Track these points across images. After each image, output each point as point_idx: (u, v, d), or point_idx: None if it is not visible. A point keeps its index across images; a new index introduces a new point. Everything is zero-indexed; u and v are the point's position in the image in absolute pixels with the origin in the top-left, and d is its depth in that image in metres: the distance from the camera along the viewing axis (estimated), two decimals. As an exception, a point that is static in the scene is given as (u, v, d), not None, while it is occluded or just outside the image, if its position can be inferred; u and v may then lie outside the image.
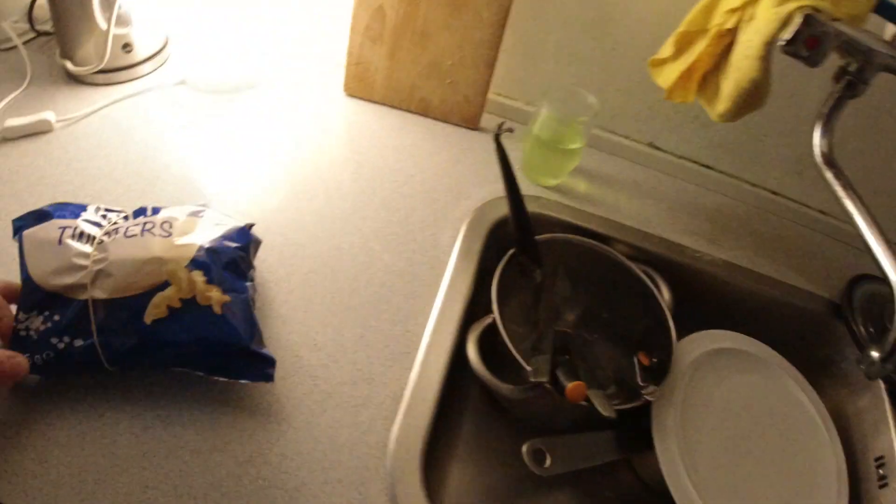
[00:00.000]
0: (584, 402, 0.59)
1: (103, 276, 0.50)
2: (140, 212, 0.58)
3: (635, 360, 0.69)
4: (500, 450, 0.69)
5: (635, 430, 0.63)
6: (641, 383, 0.65)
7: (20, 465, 0.48)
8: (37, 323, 0.49)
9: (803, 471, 0.65)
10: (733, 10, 0.66)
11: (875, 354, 0.59)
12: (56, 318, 0.49)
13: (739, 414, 0.67)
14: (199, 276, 0.52)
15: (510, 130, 0.69)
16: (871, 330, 0.83)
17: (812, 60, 0.60)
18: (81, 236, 0.52)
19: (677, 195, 0.87)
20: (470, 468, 0.67)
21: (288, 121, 0.84)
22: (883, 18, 0.66)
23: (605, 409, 0.59)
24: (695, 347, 0.69)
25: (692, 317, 0.74)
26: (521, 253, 0.72)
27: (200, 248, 0.53)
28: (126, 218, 0.56)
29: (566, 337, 0.73)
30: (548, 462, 0.58)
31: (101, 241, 0.52)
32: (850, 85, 0.64)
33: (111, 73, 0.81)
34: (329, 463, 0.53)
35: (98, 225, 0.54)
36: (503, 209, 0.77)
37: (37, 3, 0.86)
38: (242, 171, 0.76)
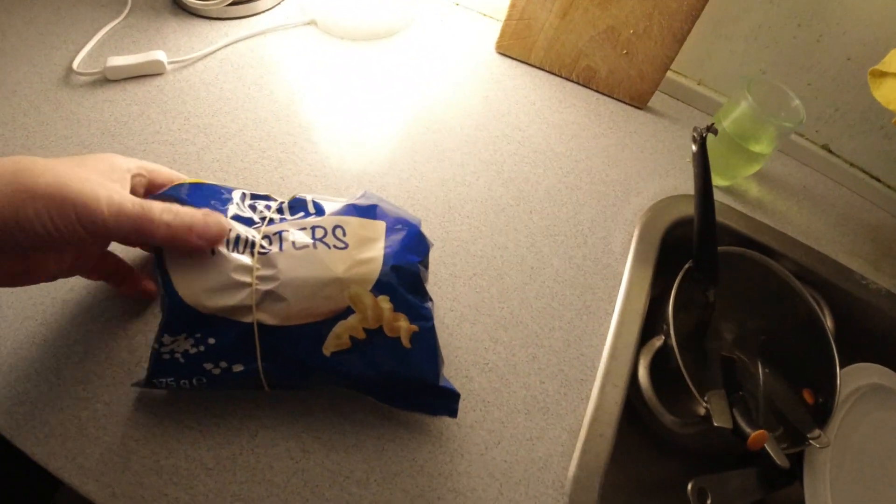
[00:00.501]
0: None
1: (273, 300, 0.41)
2: (299, 206, 0.47)
3: (800, 398, 0.64)
4: (659, 483, 0.65)
5: (781, 469, 0.59)
6: (807, 427, 0.60)
7: (160, 492, 0.42)
8: (185, 346, 0.41)
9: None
10: None
11: None
12: (211, 341, 0.41)
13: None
14: (385, 303, 0.43)
15: (715, 132, 0.60)
16: None
17: None
18: (237, 242, 0.42)
19: (845, 208, 0.79)
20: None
21: (433, 77, 0.73)
22: None
23: (780, 459, 0.56)
24: (850, 382, 0.64)
25: (851, 347, 0.68)
26: (698, 268, 0.64)
27: (384, 265, 0.44)
28: (281, 211, 0.46)
29: (732, 365, 0.67)
30: (709, 501, 0.56)
31: (264, 251, 0.42)
32: None
33: (229, 8, 0.69)
34: (505, 502, 0.48)
35: (250, 222, 0.44)
36: (676, 211, 0.69)
37: None
38: (380, 137, 0.66)
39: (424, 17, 0.80)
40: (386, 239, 0.45)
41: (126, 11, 0.70)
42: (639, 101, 0.76)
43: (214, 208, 0.43)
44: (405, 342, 0.43)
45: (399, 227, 0.47)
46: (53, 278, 0.40)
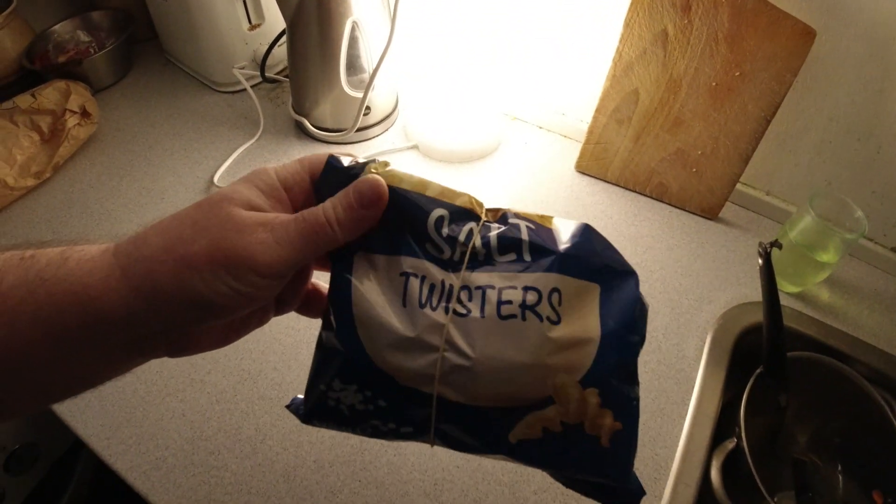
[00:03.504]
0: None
1: (460, 375, 0.34)
2: (510, 243, 0.36)
3: (870, 499, 0.66)
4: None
5: None
6: None
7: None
8: (353, 399, 0.36)
9: None
10: None
11: None
12: (382, 403, 0.36)
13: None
14: (593, 397, 0.35)
15: (779, 246, 0.66)
16: None
17: None
18: (432, 290, 0.35)
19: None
20: None
21: (518, 195, 0.82)
22: None
23: None
24: None
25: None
26: (769, 373, 0.69)
27: (601, 350, 0.35)
28: (488, 247, 0.36)
29: (804, 467, 0.70)
30: None
31: (462, 314, 0.34)
32: None
33: (345, 133, 0.81)
34: None
35: (448, 264, 0.36)
36: (748, 317, 0.74)
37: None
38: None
39: (511, 140, 0.90)
40: (602, 309, 0.36)
41: (258, 134, 0.84)
42: (710, 213, 0.83)
43: (417, 248, 0.36)
44: (604, 441, 0.36)
45: (614, 288, 0.36)
46: (261, 323, 0.39)
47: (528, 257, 0.35)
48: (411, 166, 0.83)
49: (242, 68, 0.86)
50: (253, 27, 0.86)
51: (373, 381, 0.35)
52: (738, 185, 0.85)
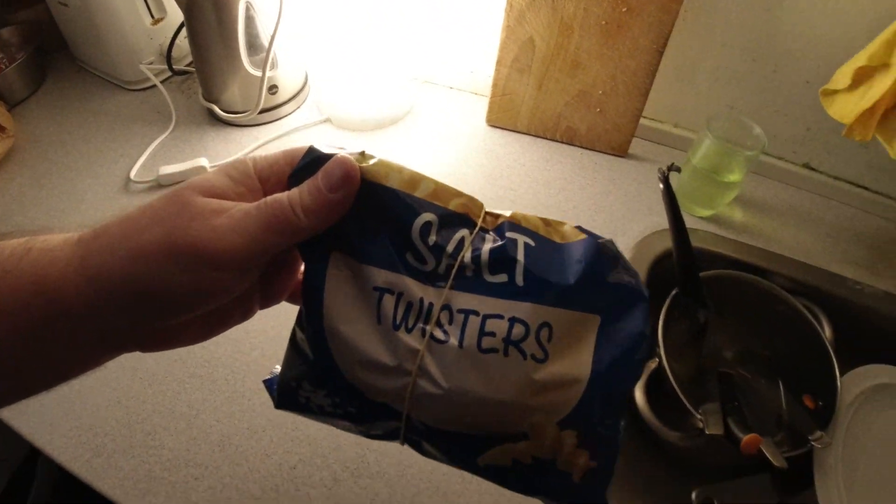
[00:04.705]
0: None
1: (431, 401, 0.32)
2: (504, 262, 0.32)
3: (800, 403, 0.69)
4: (665, 494, 0.70)
5: (794, 472, 0.62)
6: (808, 429, 0.64)
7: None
8: (323, 402, 0.35)
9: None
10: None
11: None
12: (351, 410, 0.34)
13: (907, 454, 0.65)
14: (570, 438, 0.33)
15: (678, 170, 0.68)
16: None
17: None
18: (408, 309, 0.32)
19: (834, 219, 0.84)
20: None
21: (433, 156, 0.84)
22: None
23: (777, 461, 0.60)
24: (856, 384, 0.68)
25: (853, 351, 0.72)
26: (685, 293, 0.71)
27: (587, 393, 0.32)
28: (478, 262, 0.32)
29: (730, 379, 0.72)
30: (715, 508, 0.60)
31: (440, 341, 0.31)
32: None
33: (257, 115, 0.83)
34: None
35: (431, 277, 0.32)
36: (661, 244, 0.76)
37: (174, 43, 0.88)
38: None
39: (424, 103, 0.91)
40: (598, 344, 0.33)
41: (172, 126, 0.85)
42: (619, 151, 0.85)
43: (396, 260, 0.32)
44: (576, 478, 0.33)
45: (618, 320, 0.33)
46: (244, 317, 0.37)
47: (520, 282, 0.32)
48: (325, 140, 0.84)
49: (151, 64, 0.88)
50: (156, 21, 0.87)
51: (341, 391, 0.33)
52: (646, 121, 0.87)
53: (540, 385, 0.31)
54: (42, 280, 0.27)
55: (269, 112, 0.84)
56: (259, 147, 0.82)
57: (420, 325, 0.31)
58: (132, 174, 0.77)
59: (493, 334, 0.31)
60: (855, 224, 0.84)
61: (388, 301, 0.32)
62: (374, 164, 0.32)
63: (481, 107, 0.88)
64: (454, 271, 0.32)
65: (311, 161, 0.32)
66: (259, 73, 0.79)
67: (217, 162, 0.80)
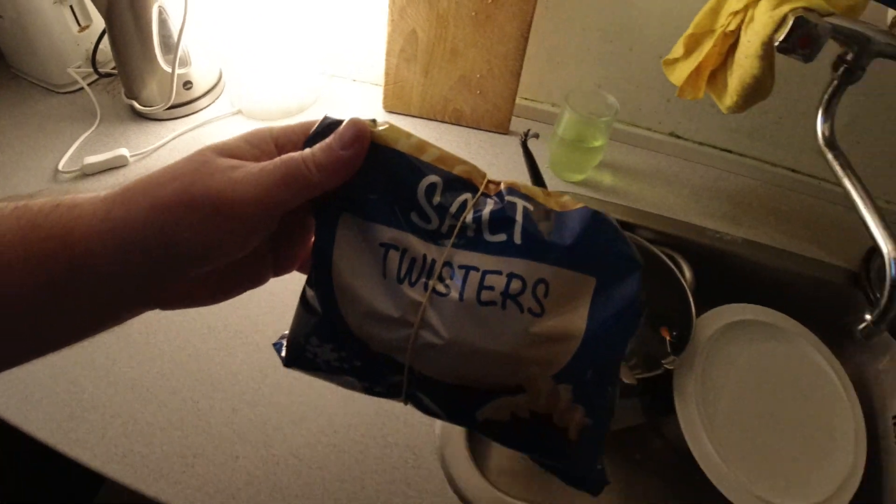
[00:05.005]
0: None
1: (432, 352, 0.33)
2: (503, 222, 0.34)
3: (657, 335, 0.77)
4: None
5: (660, 398, 0.70)
6: (662, 355, 0.72)
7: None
8: (329, 356, 0.36)
9: (822, 431, 0.70)
10: (735, 13, 0.71)
11: (868, 317, 0.65)
12: (357, 363, 0.36)
13: (759, 380, 0.72)
14: (565, 393, 0.34)
15: (536, 136, 0.77)
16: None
17: (806, 57, 0.65)
18: (412, 264, 0.34)
19: (700, 180, 0.93)
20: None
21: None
22: (883, 4, 0.70)
23: (626, 377, 0.67)
24: (716, 320, 0.75)
25: (716, 294, 0.80)
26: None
27: (581, 349, 0.34)
28: (479, 222, 0.34)
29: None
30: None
31: (442, 293, 0.33)
32: (848, 72, 0.69)
33: (174, 109, 0.92)
34: (388, 430, 0.63)
35: (434, 235, 0.34)
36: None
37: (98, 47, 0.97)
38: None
39: (328, 94, 1.01)
40: (593, 304, 0.34)
41: (97, 123, 0.93)
42: (501, 128, 0.94)
43: (402, 219, 0.34)
44: (572, 435, 0.35)
45: (612, 284, 0.34)
46: (255, 283, 0.38)
47: (518, 241, 0.33)
48: (235, 130, 0.93)
49: (79, 67, 0.97)
50: (82, 29, 0.96)
51: (348, 345, 0.35)
52: (525, 101, 0.97)
53: (536, 338, 0.33)
54: (69, 234, 0.28)
55: (187, 106, 0.93)
56: (176, 137, 0.91)
57: (423, 279, 0.33)
58: (60, 166, 0.86)
59: (491, 288, 0.33)
60: (718, 183, 0.93)
61: (394, 256, 0.34)
62: (384, 130, 0.34)
63: (379, 95, 0.97)
64: (456, 230, 0.34)
65: (325, 127, 0.34)
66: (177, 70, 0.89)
67: (137, 152, 0.89)
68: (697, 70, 0.76)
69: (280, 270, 0.39)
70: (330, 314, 0.35)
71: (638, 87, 0.92)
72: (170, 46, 0.88)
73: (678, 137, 0.96)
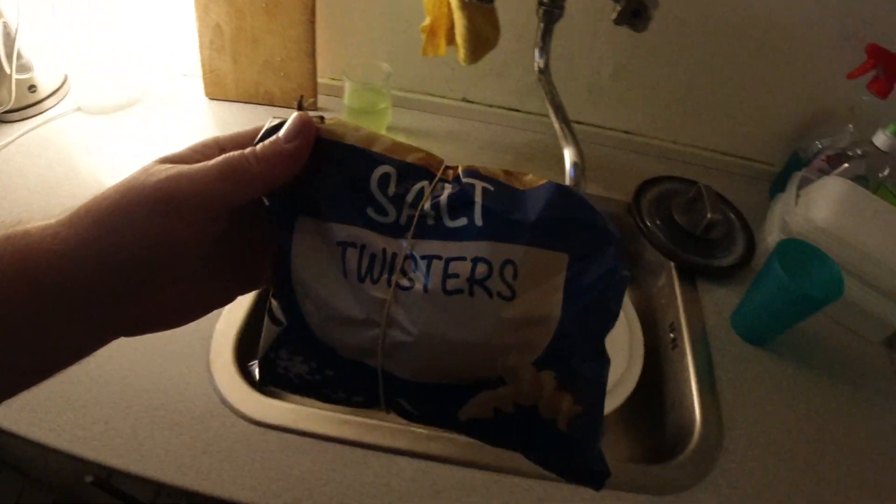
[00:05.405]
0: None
1: (403, 351, 0.32)
2: (463, 205, 0.32)
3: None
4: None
5: None
6: None
7: None
8: (300, 369, 0.35)
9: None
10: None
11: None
12: (329, 373, 0.34)
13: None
14: (549, 379, 0.32)
15: (312, 102, 0.89)
16: (658, 222, 0.98)
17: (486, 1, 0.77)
18: (372, 260, 0.32)
19: (490, 137, 1.04)
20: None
21: (166, 129, 1.04)
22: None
23: None
24: None
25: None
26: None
27: (559, 329, 0.32)
28: (437, 209, 0.32)
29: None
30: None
31: (405, 286, 0.31)
32: (548, 13, 0.81)
33: (21, 111, 1.04)
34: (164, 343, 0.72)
35: (393, 228, 0.33)
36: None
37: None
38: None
39: (159, 85, 1.11)
40: (568, 282, 0.32)
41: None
42: (312, 107, 1.06)
43: (358, 214, 0.33)
44: (562, 425, 0.33)
45: (587, 257, 0.32)
46: (222, 301, 0.36)
47: (479, 222, 0.31)
48: (76, 127, 1.05)
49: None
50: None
51: (317, 353, 0.34)
52: (331, 81, 1.08)
53: (509, 323, 0.31)
54: (23, 264, 0.28)
55: (34, 107, 1.05)
56: (21, 136, 1.03)
57: (385, 275, 0.31)
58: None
59: (456, 276, 0.31)
60: (506, 139, 1.04)
61: (352, 254, 0.32)
62: (331, 126, 0.33)
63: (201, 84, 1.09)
64: (415, 220, 0.32)
65: (273, 128, 0.32)
66: (18, 76, 1.01)
67: (-17, 150, 1.01)
68: (433, 29, 0.87)
69: (246, 286, 0.37)
70: (294, 322, 0.34)
71: (423, 59, 1.03)
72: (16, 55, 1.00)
73: (470, 102, 1.07)
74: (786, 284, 0.78)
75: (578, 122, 1.06)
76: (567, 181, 0.73)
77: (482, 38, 0.83)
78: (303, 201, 0.33)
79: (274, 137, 0.31)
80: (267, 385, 0.36)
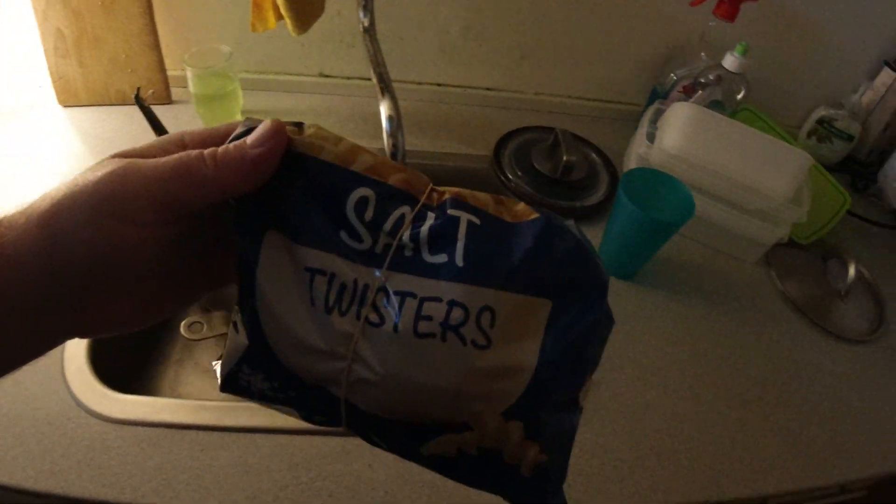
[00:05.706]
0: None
1: (368, 388, 0.30)
2: (444, 240, 0.30)
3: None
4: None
5: None
6: None
7: None
8: (262, 386, 0.33)
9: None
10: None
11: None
12: (291, 394, 0.33)
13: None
14: (516, 430, 0.31)
15: (150, 93, 0.87)
16: (520, 173, 0.98)
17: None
18: (342, 291, 0.30)
19: (349, 109, 1.04)
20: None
21: (22, 144, 1.01)
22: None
23: None
24: None
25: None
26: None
27: (533, 382, 0.30)
28: (417, 240, 0.30)
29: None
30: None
31: (376, 324, 0.30)
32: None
33: None
34: None
35: (368, 256, 0.30)
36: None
37: None
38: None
39: (11, 100, 1.07)
40: (548, 331, 0.30)
41: None
42: (164, 100, 1.05)
43: (327, 240, 0.30)
44: (525, 472, 0.31)
45: (571, 305, 0.30)
46: (184, 301, 0.35)
47: (460, 262, 0.29)
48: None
49: None
50: None
51: (279, 376, 0.32)
52: (180, 72, 1.05)
53: (481, 372, 0.29)
54: None
55: None
56: None
57: (355, 307, 0.29)
58: None
59: (429, 318, 0.29)
60: (366, 109, 1.04)
61: (320, 283, 0.30)
62: (308, 136, 0.31)
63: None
64: (392, 251, 0.30)
65: (247, 130, 0.30)
66: None
67: None
68: (256, 2, 0.86)
69: (215, 284, 0.35)
70: (257, 342, 0.32)
71: (269, 37, 1.02)
72: None
73: (327, 76, 1.06)
74: (634, 213, 0.79)
75: (440, 84, 1.06)
76: (384, 137, 0.73)
77: (306, 5, 0.82)
78: (273, 216, 0.31)
79: (241, 141, 0.29)
80: (227, 391, 0.34)
